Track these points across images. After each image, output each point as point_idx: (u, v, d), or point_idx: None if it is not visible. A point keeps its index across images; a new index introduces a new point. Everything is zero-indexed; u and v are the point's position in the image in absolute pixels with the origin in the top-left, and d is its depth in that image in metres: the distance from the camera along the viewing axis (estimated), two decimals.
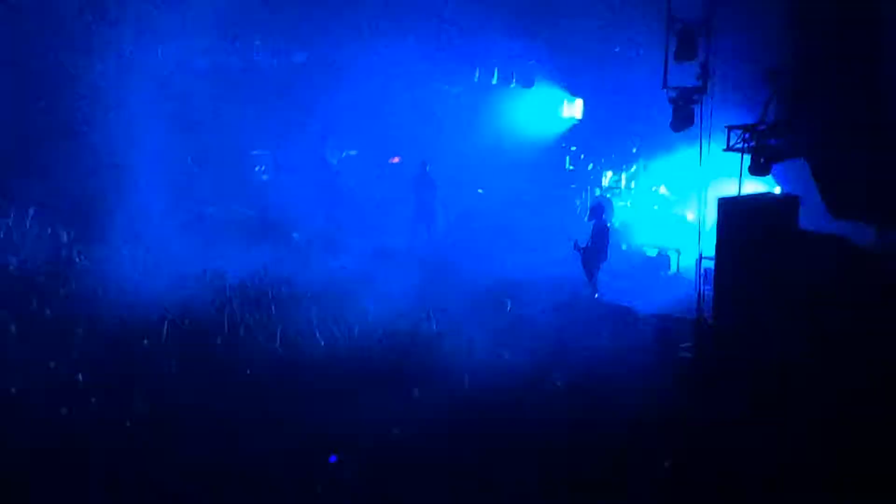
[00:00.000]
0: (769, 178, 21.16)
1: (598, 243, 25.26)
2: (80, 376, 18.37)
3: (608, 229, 25.81)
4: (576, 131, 32.57)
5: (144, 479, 15.65)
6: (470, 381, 19.09)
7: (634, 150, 30.73)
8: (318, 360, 19.98)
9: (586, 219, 26.33)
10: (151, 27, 30.97)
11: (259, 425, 17.14)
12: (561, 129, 32.94)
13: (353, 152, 31.63)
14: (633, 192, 30.33)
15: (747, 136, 20.27)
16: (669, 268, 27.72)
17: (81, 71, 30.90)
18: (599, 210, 25.87)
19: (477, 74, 32.93)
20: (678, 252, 27.48)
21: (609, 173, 31.04)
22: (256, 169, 33.54)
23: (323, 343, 20.64)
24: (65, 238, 25.71)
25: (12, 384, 18.02)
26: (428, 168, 30.24)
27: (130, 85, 30.21)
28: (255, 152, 33.49)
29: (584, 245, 25.31)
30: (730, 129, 20.54)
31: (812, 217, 19.47)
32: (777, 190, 22.72)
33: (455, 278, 25.64)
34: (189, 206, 29.30)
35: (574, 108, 32.61)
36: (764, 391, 18.56)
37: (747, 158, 20.51)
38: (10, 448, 16.11)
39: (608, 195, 30.22)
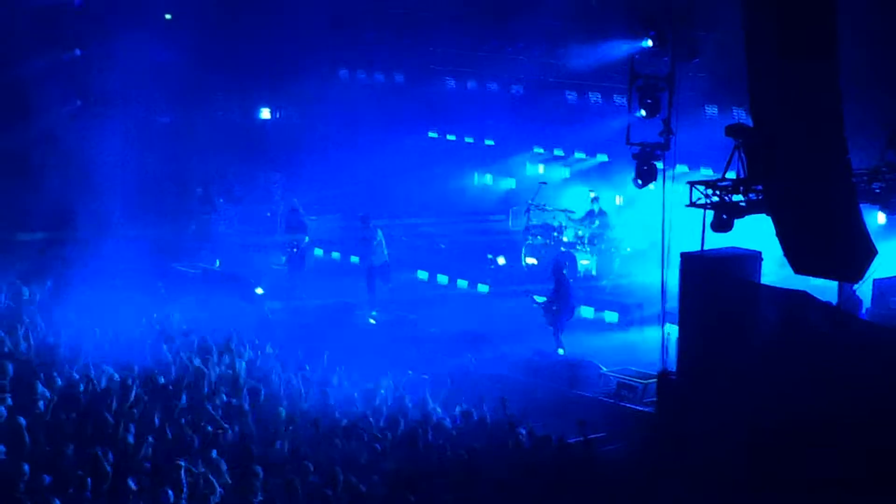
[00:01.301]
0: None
1: (562, 301, 25.29)
2: None
3: (571, 285, 25.87)
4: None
5: None
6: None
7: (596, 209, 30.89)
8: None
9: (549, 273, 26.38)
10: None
11: None
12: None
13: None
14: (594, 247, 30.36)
15: (710, 191, 20.41)
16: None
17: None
18: (560, 266, 25.95)
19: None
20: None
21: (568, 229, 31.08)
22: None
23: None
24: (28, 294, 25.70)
25: None
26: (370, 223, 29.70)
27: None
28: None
29: (545, 302, 25.37)
30: (692, 184, 20.66)
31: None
32: None
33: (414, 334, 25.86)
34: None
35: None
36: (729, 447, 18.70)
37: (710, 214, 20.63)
38: None
39: (573, 250, 30.21)
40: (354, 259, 31.46)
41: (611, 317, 26.99)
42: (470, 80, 33.97)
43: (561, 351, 24.78)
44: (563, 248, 30.05)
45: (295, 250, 30.40)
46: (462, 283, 30.19)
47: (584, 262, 29.84)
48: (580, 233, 30.43)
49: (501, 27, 32.27)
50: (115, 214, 31.44)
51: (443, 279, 30.62)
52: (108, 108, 34.20)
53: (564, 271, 25.78)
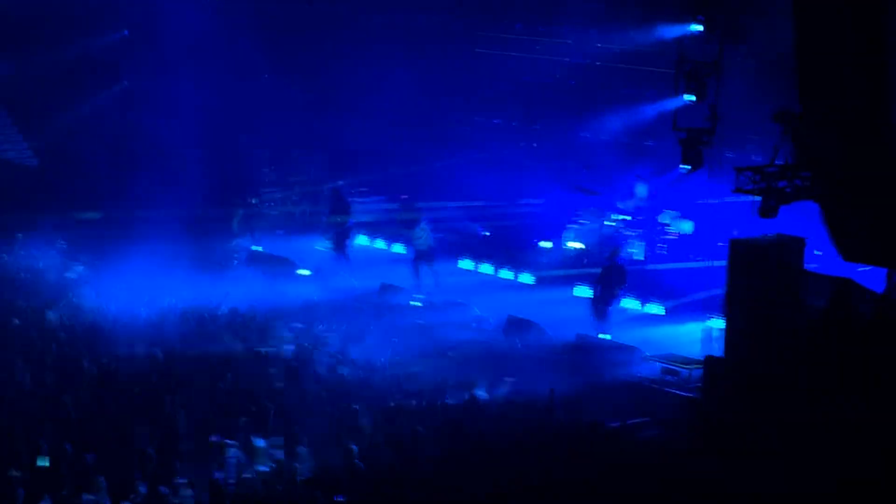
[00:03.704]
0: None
1: (614, 286, 25.34)
2: None
3: (626, 271, 25.91)
4: None
5: None
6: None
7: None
8: None
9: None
10: None
11: None
12: None
13: None
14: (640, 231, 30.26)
15: (757, 177, 20.30)
16: None
17: None
18: (618, 251, 25.98)
19: None
20: None
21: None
22: None
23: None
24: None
25: None
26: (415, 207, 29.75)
27: None
28: None
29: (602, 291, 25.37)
30: (739, 170, 20.56)
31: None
32: None
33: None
34: None
35: None
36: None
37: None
38: None
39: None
40: (397, 247, 31.42)
41: (657, 308, 26.77)
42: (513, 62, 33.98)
43: (604, 336, 24.70)
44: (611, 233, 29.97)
45: (338, 232, 30.40)
46: (506, 274, 29.94)
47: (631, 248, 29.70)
48: (626, 217, 30.27)
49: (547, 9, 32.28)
50: (163, 195, 31.61)
51: (486, 269, 30.45)
52: (156, 88, 34.46)
53: (619, 257, 25.76)
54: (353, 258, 30.11)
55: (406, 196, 30.13)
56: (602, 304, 25.12)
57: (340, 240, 30.18)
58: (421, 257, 28.19)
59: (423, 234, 28.16)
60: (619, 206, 30.48)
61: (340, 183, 31.97)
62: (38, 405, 18.51)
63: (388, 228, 32.17)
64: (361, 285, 27.86)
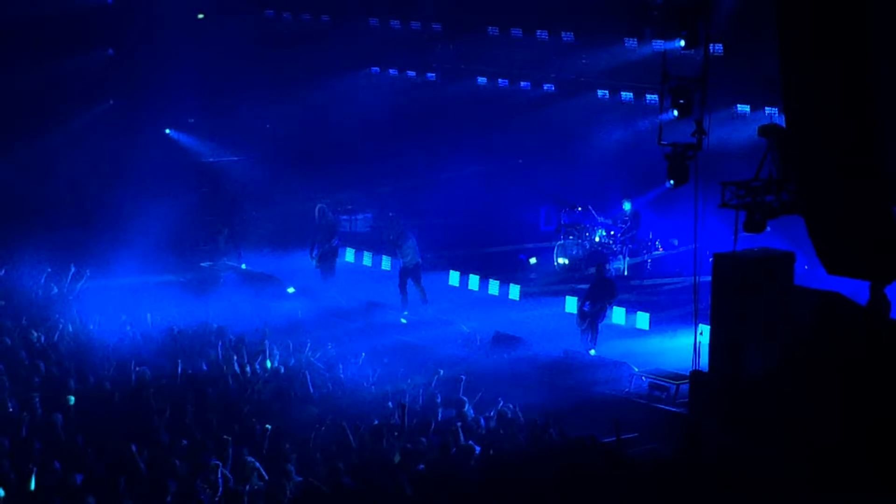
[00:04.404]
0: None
1: (602, 301, 25.33)
2: None
3: (615, 287, 25.95)
4: None
5: None
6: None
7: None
8: None
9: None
10: None
11: None
12: None
13: None
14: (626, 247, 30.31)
15: (742, 192, 20.34)
16: None
17: None
18: (603, 267, 26.02)
19: None
20: None
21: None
22: None
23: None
24: None
25: None
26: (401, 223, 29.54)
27: None
28: None
29: (579, 304, 25.38)
30: (724, 185, 20.59)
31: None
32: None
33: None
34: None
35: None
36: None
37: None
38: None
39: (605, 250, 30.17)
40: (385, 263, 31.42)
41: (642, 321, 26.78)
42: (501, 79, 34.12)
43: (592, 352, 24.72)
44: (596, 248, 30.03)
45: (324, 250, 30.44)
46: (493, 289, 29.95)
47: (617, 262, 29.79)
48: (612, 233, 30.36)
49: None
50: (145, 214, 31.62)
51: (474, 281, 30.45)
52: (140, 107, 34.51)
53: (607, 271, 25.82)
54: (340, 275, 30.13)
55: (393, 213, 30.13)
56: (591, 319, 25.15)
57: (327, 258, 30.19)
58: (407, 273, 28.21)
59: (410, 251, 28.16)
60: (603, 221, 30.60)
61: (325, 201, 31.97)
62: (25, 425, 18.43)
63: (375, 245, 32.17)
64: (348, 303, 27.86)
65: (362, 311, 27.25)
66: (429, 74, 36.37)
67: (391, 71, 37.23)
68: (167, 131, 36.11)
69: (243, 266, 31.00)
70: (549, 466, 17.78)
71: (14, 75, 34.03)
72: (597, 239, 30.43)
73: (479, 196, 34.84)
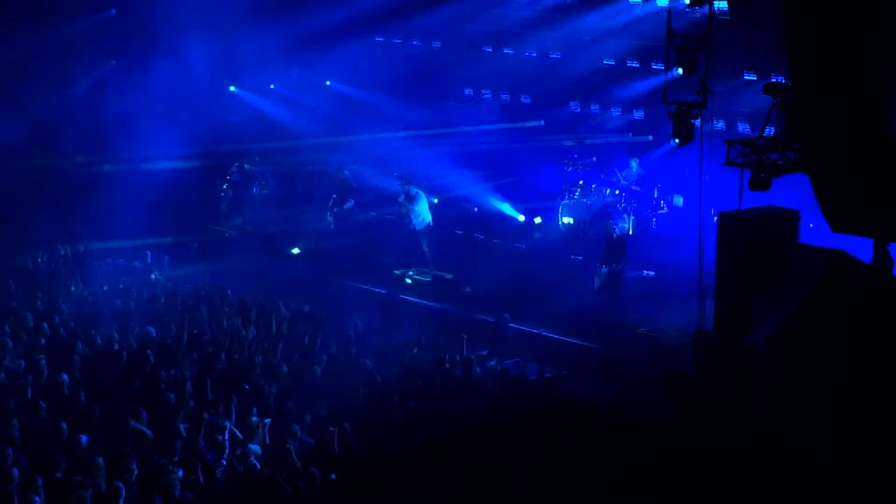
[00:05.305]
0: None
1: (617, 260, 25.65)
2: None
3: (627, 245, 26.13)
4: None
5: None
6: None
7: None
8: None
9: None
10: None
11: None
12: None
13: None
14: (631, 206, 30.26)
15: (747, 150, 20.28)
16: None
17: None
18: (612, 229, 26.13)
19: None
20: None
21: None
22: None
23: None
24: None
25: None
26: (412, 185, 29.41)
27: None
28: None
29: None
30: (729, 143, 20.52)
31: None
32: None
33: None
34: None
35: None
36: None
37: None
38: None
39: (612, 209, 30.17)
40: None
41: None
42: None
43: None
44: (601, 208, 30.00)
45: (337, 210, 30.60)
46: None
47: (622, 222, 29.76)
48: (617, 192, 30.30)
49: None
50: (149, 176, 31.61)
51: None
52: (143, 67, 34.35)
53: (615, 233, 25.86)
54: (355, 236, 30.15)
55: (399, 174, 30.13)
56: (610, 281, 25.31)
57: (344, 218, 30.24)
58: (418, 234, 28.19)
59: (423, 211, 28.11)
60: (615, 179, 30.54)
61: (344, 166, 32.00)
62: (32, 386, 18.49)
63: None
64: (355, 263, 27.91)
65: (368, 271, 27.32)
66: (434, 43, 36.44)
67: (394, 40, 37.11)
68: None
69: (248, 227, 31.09)
70: (552, 426, 17.86)
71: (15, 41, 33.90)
72: (602, 198, 30.36)
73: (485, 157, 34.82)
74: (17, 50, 33.39)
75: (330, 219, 30.55)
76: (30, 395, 18.08)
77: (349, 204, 30.85)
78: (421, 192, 28.31)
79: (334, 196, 30.86)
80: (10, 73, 33.56)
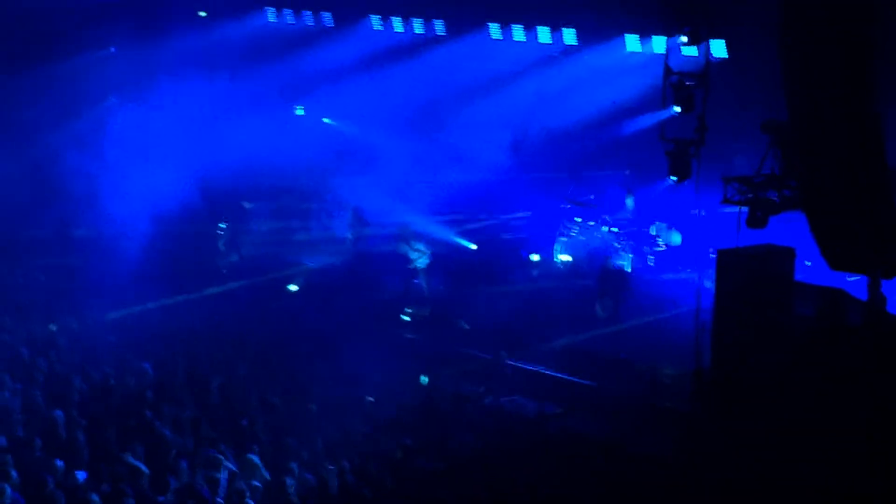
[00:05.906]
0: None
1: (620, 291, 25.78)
2: None
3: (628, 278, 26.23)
4: None
5: None
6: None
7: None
8: None
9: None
10: None
11: None
12: None
13: None
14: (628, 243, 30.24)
15: (744, 188, 20.32)
16: None
17: None
18: (608, 266, 26.22)
19: None
20: None
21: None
22: None
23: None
24: None
25: None
26: None
27: None
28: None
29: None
30: (726, 180, 20.58)
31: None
32: None
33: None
34: None
35: None
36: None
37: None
38: None
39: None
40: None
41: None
42: None
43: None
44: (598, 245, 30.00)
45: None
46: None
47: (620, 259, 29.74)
48: (615, 229, 30.29)
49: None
50: (145, 213, 31.53)
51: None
52: (142, 104, 34.39)
53: (612, 267, 25.93)
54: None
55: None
56: (611, 313, 25.37)
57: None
58: (417, 275, 28.24)
59: (422, 253, 28.23)
60: (609, 218, 30.53)
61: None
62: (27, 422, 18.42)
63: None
64: (352, 300, 27.88)
65: (366, 308, 27.32)
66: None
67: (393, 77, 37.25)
68: None
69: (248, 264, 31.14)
70: (549, 462, 17.83)
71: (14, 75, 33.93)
72: (599, 235, 30.34)
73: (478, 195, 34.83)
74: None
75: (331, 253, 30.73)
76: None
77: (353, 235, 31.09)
78: (419, 232, 28.49)
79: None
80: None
